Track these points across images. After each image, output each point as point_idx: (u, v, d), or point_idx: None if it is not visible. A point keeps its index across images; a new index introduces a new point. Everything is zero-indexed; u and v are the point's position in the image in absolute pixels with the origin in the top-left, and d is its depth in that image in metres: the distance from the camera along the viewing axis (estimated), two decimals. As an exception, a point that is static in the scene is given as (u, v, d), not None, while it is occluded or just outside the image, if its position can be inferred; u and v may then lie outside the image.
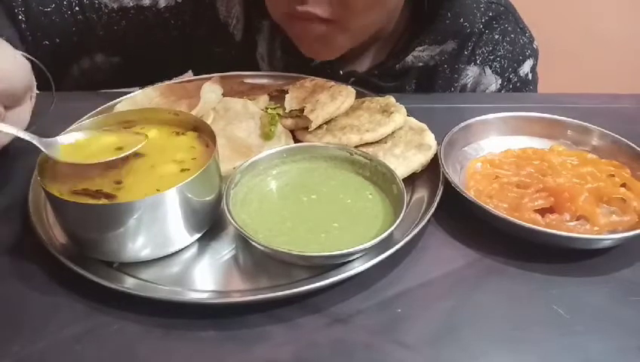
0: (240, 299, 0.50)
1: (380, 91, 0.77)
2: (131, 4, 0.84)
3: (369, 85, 0.81)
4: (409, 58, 0.83)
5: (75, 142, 0.56)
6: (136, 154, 0.55)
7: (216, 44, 0.91)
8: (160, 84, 0.78)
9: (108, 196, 0.50)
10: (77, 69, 0.88)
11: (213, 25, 0.89)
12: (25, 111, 0.60)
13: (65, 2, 0.81)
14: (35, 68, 0.61)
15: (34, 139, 0.52)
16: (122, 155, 0.53)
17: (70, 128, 0.58)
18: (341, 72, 0.84)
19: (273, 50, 0.89)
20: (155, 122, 0.60)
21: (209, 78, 0.76)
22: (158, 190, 0.50)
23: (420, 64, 0.84)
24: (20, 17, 0.78)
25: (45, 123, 0.62)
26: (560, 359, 0.47)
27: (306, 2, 0.70)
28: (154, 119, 0.60)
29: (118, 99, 0.74)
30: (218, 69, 0.81)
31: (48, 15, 0.80)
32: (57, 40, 0.82)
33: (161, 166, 0.54)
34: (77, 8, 0.82)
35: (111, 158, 0.53)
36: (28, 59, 0.59)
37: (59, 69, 0.86)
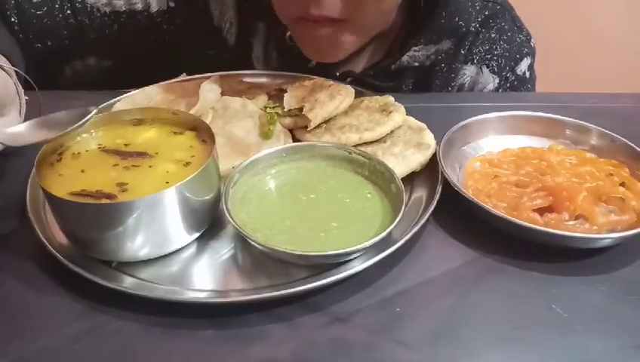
0: (239, 298, 0.50)
1: (377, 91, 0.77)
2: (123, 8, 0.84)
3: (365, 85, 0.81)
4: (405, 58, 0.83)
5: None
6: (142, 154, 0.55)
7: (209, 48, 0.90)
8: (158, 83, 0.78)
9: (109, 196, 0.50)
10: (69, 71, 0.87)
11: (206, 29, 0.88)
12: (9, 123, 0.60)
13: (57, 5, 0.81)
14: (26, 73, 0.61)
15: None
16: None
17: (70, 128, 0.57)
18: (337, 74, 0.83)
19: (269, 52, 0.88)
20: (153, 121, 0.60)
21: (208, 77, 0.76)
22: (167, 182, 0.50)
23: (416, 64, 0.84)
24: (13, 20, 0.78)
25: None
26: (559, 358, 0.47)
27: (321, 5, 0.69)
28: (153, 118, 0.60)
29: (116, 98, 0.74)
30: (211, 72, 0.81)
31: (40, 18, 0.80)
32: (49, 43, 0.82)
33: (160, 166, 0.54)
34: (69, 12, 0.82)
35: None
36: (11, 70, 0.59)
37: (51, 71, 0.86)
